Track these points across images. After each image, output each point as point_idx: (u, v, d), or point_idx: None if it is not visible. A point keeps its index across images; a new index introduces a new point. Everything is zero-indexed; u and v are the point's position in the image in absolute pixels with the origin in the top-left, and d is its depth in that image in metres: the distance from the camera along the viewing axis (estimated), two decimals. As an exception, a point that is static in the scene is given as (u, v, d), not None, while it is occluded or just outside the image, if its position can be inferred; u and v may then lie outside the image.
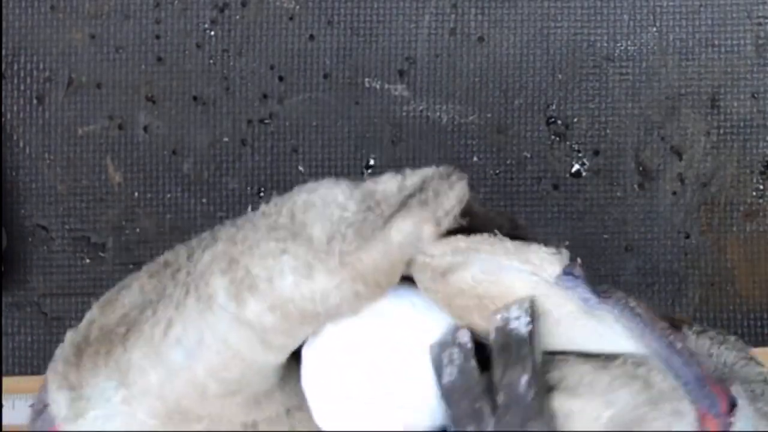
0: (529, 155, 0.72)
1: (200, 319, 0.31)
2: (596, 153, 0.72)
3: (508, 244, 0.31)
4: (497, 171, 0.72)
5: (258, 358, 0.31)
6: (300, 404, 0.33)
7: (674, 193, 0.72)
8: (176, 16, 0.72)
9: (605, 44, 0.72)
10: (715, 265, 0.72)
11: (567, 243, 0.34)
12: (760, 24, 0.72)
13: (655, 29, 0.72)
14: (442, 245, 0.31)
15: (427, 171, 0.32)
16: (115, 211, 0.71)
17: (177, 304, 0.32)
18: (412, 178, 0.32)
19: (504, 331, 0.31)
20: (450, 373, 0.31)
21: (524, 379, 0.30)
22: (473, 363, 0.31)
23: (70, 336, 0.34)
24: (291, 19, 0.72)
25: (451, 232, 0.32)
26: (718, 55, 0.72)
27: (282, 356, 0.32)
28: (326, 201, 0.31)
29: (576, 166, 0.72)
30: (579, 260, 0.31)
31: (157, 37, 0.72)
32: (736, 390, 0.33)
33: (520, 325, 0.31)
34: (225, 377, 0.32)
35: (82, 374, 0.33)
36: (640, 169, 0.72)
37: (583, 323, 0.31)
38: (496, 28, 0.72)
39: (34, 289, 0.71)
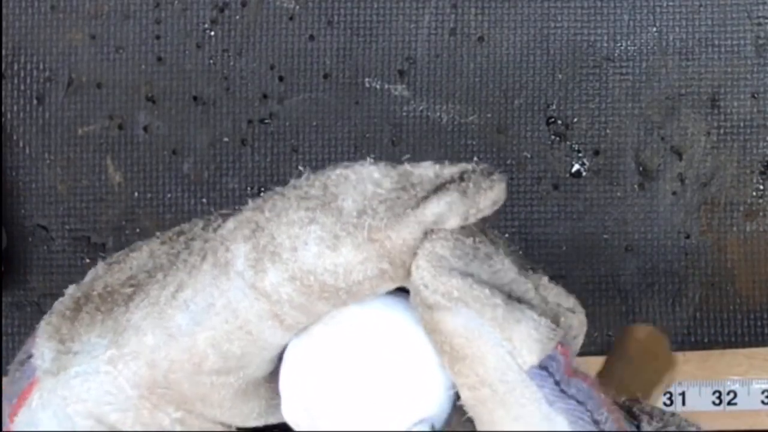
0: (529, 155, 0.72)
1: (213, 284, 0.30)
2: (596, 153, 0.72)
3: (499, 310, 0.29)
4: (497, 171, 0.72)
5: (265, 334, 0.30)
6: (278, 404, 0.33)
7: (674, 193, 0.72)
8: (176, 16, 0.72)
9: (605, 44, 0.72)
10: (715, 265, 0.72)
11: (563, 320, 0.32)
12: (760, 24, 0.72)
13: (655, 29, 0.72)
14: (438, 283, 0.30)
15: (467, 165, 0.31)
16: (115, 211, 0.71)
17: (191, 269, 0.31)
18: (451, 168, 0.31)
19: None
20: None
21: None
22: None
23: (71, 290, 0.33)
24: (291, 19, 0.72)
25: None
26: (718, 55, 0.72)
27: (288, 336, 0.31)
28: (361, 176, 0.31)
29: (576, 166, 0.72)
30: (564, 345, 0.30)
31: (157, 37, 0.72)
32: None
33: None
34: (226, 350, 0.31)
35: (75, 328, 0.32)
36: (640, 169, 0.72)
37: (533, 421, 0.30)
38: (496, 28, 0.72)
39: (34, 289, 0.71)
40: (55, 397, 0.32)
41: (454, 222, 0.30)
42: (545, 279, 0.32)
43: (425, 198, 0.30)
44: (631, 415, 0.33)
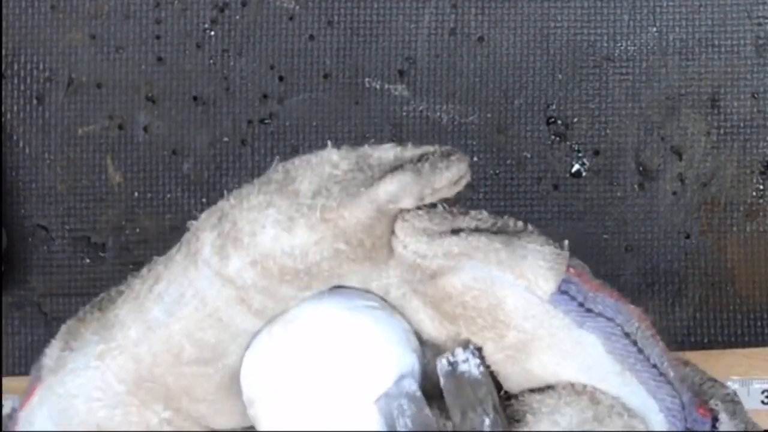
0: (529, 155, 0.72)
1: (183, 274, 0.31)
2: (596, 153, 0.72)
3: (503, 253, 0.30)
4: (497, 171, 0.72)
5: (235, 320, 0.31)
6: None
7: (674, 193, 0.72)
8: (176, 16, 0.72)
9: (605, 44, 0.72)
10: (715, 265, 0.72)
11: (566, 241, 0.32)
12: (760, 24, 0.72)
13: (655, 29, 0.72)
14: (435, 246, 0.30)
15: (430, 147, 0.31)
16: (115, 211, 0.71)
17: (167, 260, 0.31)
18: (412, 150, 0.31)
19: (454, 376, 0.30)
20: (404, 425, 0.30)
21: (487, 421, 0.30)
22: (427, 411, 0.30)
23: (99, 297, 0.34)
24: (291, 19, 0.72)
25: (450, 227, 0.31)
26: (718, 55, 0.72)
27: (259, 322, 0.31)
28: (321, 159, 0.31)
29: (576, 166, 0.72)
30: (575, 267, 0.30)
31: (157, 37, 0.72)
32: (715, 404, 0.33)
33: (471, 367, 0.30)
34: (200, 339, 0.31)
35: (80, 329, 0.33)
36: (640, 169, 0.72)
37: (566, 347, 0.30)
38: (496, 28, 0.72)
39: (34, 289, 0.71)
40: (51, 394, 0.32)
41: (408, 201, 0.30)
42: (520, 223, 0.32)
43: (380, 178, 0.30)
44: (707, 409, 0.33)
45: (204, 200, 0.71)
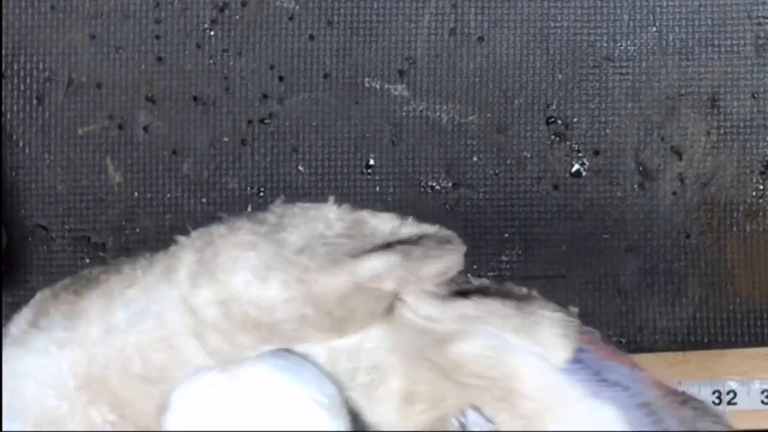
0: (529, 155, 0.72)
1: (155, 287, 0.30)
2: (596, 153, 0.72)
3: (517, 319, 0.29)
4: (497, 171, 0.72)
5: (186, 352, 0.30)
6: None
7: (674, 193, 0.72)
8: (176, 16, 0.72)
9: (605, 44, 0.72)
10: (715, 265, 0.72)
11: (575, 309, 0.31)
12: (760, 24, 0.72)
13: (655, 29, 0.72)
14: (450, 309, 0.29)
15: (429, 228, 0.30)
16: (115, 211, 0.71)
17: (146, 267, 0.31)
18: (411, 228, 0.30)
19: None
20: None
21: None
22: None
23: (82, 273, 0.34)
24: (291, 19, 0.72)
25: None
26: (718, 55, 0.72)
27: (210, 361, 0.31)
28: (318, 214, 0.30)
29: (576, 166, 0.72)
30: (586, 334, 0.29)
31: (157, 37, 0.72)
32: None
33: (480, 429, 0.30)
34: (149, 358, 0.30)
35: (50, 308, 0.32)
36: (640, 169, 0.72)
37: (581, 419, 0.29)
38: (496, 28, 0.72)
39: (34, 289, 0.71)
40: (9, 369, 0.32)
41: (389, 284, 0.29)
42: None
43: (369, 252, 0.29)
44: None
45: (204, 200, 0.71)
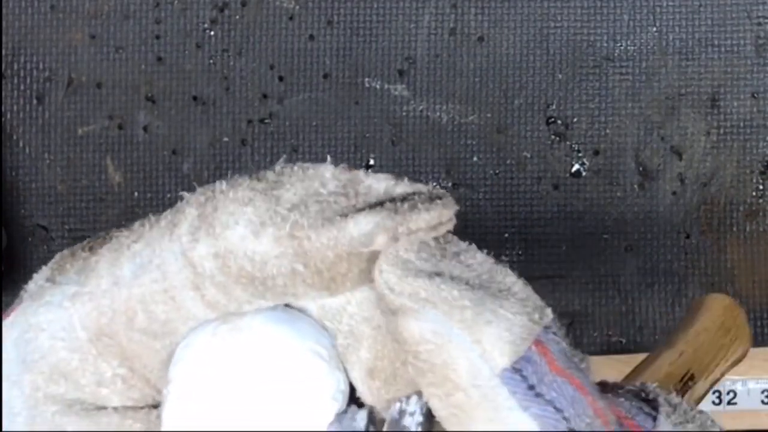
0: (529, 155, 0.72)
1: (159, 241, 0.31)
2: (596, 153, 0.72)
3: (468, 312, 0.28)
4: (497, 171, 0.72)
5: (187, 304, 0.30)
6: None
7: (674, 193, 0.72)
8: (176, 16, 0.72)
9: (605, 44, 0.72)
10: (715, 265, 0.72)
11: (549, 310, 0.31)
12: (760, 24, 0.72)
13: (655, 29, 0.72)
14: (404, 284, 0.29)
15: (422, 186, 0.30)
16: (115, 211, 0.71)
17: (153, 222, 0.31)
18: (404, 187, 0.31)
19: (397, 424, 0.30)
20: None
21: None
22: None
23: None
24: (291, 19, 0.72)
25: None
26: (718, 55, 0.72)
27: (211, 313, 0.31)
28: (315, 173, 0.31)
29: (576, 166, 0.72)
30: (544, 343, 0.29)
31: (157, 37, 0.72)
32: None
33: (412, 423, 0.30)
34: (152, 311, 0.31)
35: (66, 265, 0.33)
36: (640, 169, 0.72)
37: (505, 428, 0.28)
38: (496, 28, 0.72)
39: (34, 289, 0.71)
40: (24, 321, 0.32)
41: (381, 240, 0.29)
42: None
43: (360, 210, 0.29)
44: (652, 405, 0.32)
45: (204, 200, 0.71)
